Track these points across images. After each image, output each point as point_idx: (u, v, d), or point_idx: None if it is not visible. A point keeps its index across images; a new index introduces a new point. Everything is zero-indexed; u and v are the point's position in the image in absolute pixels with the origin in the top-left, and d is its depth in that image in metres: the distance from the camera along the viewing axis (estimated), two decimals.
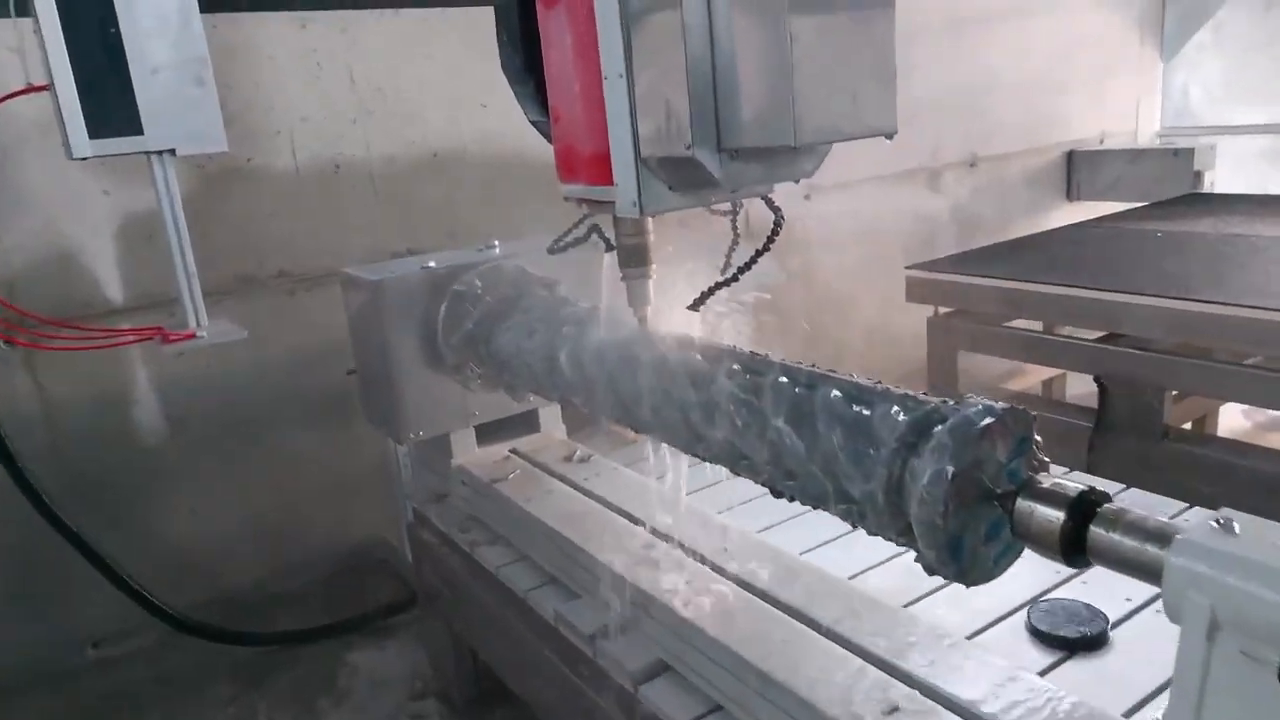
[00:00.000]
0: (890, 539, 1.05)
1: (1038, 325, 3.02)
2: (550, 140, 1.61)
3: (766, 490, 1.88)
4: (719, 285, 1.51)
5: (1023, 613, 1.45)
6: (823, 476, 1.10)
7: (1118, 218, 3.67)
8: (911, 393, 1.07)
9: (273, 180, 2.77)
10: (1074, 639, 1.35)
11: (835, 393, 1.12)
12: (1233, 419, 3.36)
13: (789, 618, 1.34)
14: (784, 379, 1.20)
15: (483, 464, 2.05)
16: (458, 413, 2.04)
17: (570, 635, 1.59)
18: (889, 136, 1.17)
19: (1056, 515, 0.86)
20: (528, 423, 2.17)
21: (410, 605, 2.76)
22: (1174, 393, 2.49)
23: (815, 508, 1.15)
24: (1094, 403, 2.69)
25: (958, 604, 1.50)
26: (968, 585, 0.96)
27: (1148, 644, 1.32)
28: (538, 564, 1.80)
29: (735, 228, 1.60)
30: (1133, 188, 4.40)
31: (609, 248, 1.68)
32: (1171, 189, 4.15)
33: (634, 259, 1.54)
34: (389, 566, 3.06)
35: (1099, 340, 2.62)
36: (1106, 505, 0.86)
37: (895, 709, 1.10)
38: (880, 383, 1.12)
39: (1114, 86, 4.90)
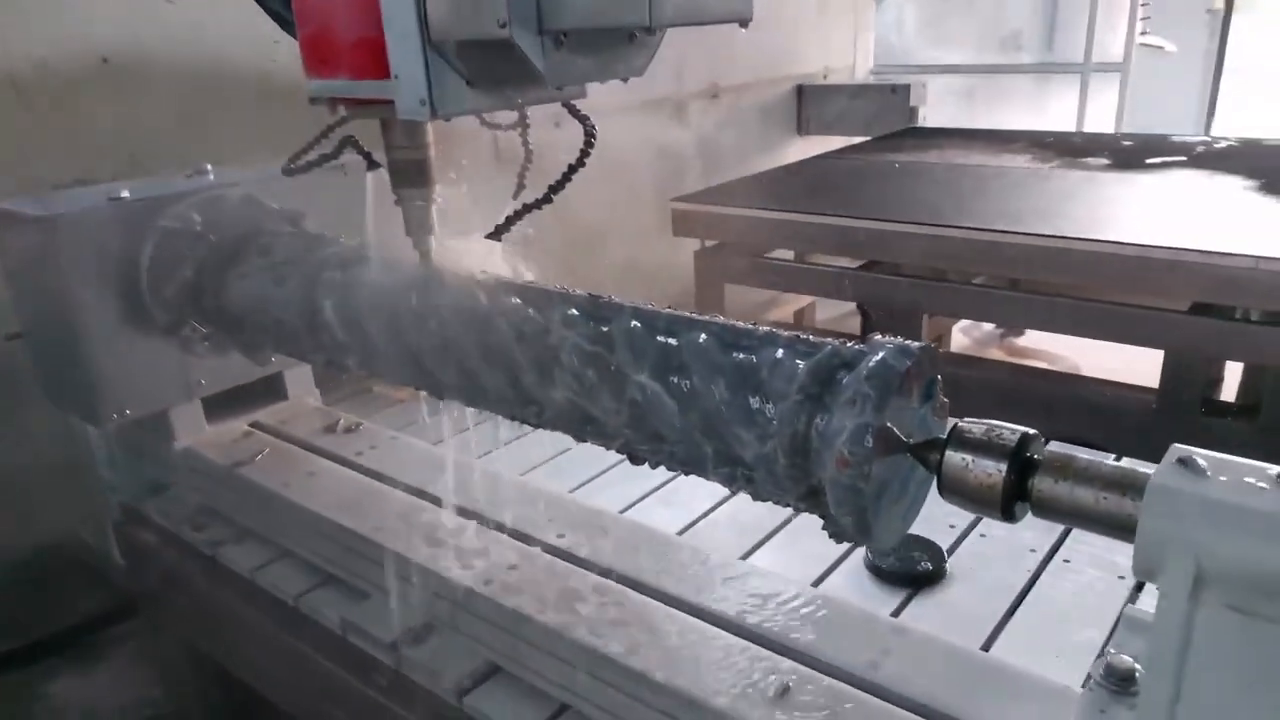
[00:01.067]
0: (787, 504, 0.90)
1: (789, 255, 3.08)
2: (287, 25, 1.27)
3: (571, 446, 1.70)
4: (527, 209, 1.28)
5: (858, 552, 1.40)
6: (701, 439, 0.91)
7: (855, 150, 3.84)
8: (798, 334, 0.91)
9: None
10: (916, 575, 1.31)
11: (704, 337, 0.94)
12: (955, 337, 3.69)
13: (636, 593, 1.17)
14: (638, 324, 0.99)
15: (217, 444, 1.65)
16: (176, 383, 1.61)
17: (364, 644, 1.31)
18: (744, 24, 1.00)
19: (997, 467, 0.75)
20: (271, 389, 1.78)
21: (123, 616, 2.26)
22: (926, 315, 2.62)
23: (688, 474, 0.97)
24: (851, 329, 2.77)
25: (790, 550, 1.43)
26: (880, 549, 0.84)
27: (981, 571, 1.31)
28: (307, 561, 1.48)
29: (526, 143, 1.37)
30: (855, 122, 4.64)
31: (370, 165, 1.38)
32: (890, 123, 4.42)
33: (412, 177, 1.25)
34: (88, 571, 2.50)
35: (861, 268, 2.70)
36: (1049, 451, 0.76)
37: (785, 689, 0.96)
38: (756, 323, 0.95)
39: (834, 24, 5.12)
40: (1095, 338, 2.27)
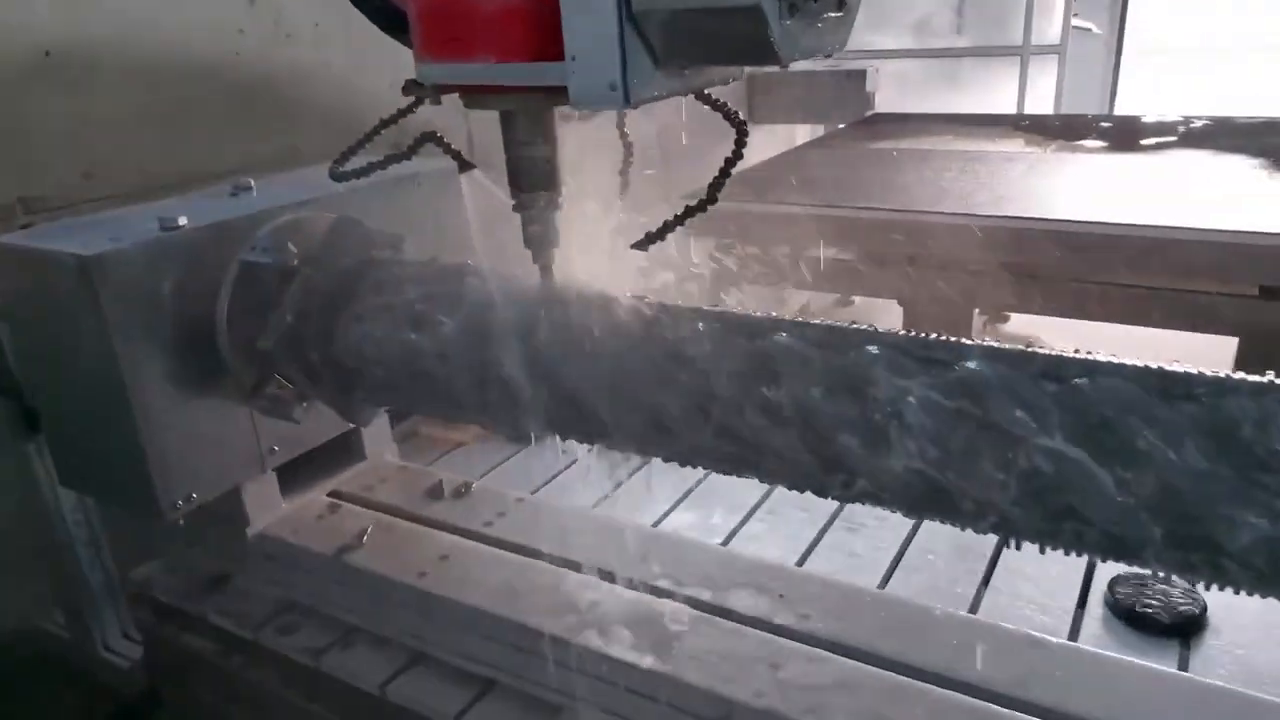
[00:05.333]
0: (1275, 595, 0.72)
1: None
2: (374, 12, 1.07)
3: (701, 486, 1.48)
4: (682, 217, 1.07)
5: (1096, 592, 1.26)
6: (1148, 519, 0.73)
7: (838, 137, 3.74)
8: (1240, 374, 0.74)
9: None
10: (1176, 624, 1.17)
11: (1118, 381, 0.75)
12: None
13: (919, 682, 0.97)
14: (1003, 366, 0.80)
15: (301, 525, 1.34)
16: (248, 454, 1.29)
17: None
18: None
19: None
20: (345, 448, 1.47)
21: None
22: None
23: (1106, 559, 0.78)
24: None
25: (1016, 592, 1.27)
26: None
27: (1242, 618, 1.17)
28: (459, 670, 1.19)
29: (626, 138, 1.17)
30: (810, 109, 4.54)
31: (463, 166, 1.14)
32: (849, 110, 4.34)
33: (536, 179, 1.04)
34: (62, 669, 2.08)
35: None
36: None
37: None
38: (1181, 363, 0.77)
39: None
40: (1164, 327, 2.22)
